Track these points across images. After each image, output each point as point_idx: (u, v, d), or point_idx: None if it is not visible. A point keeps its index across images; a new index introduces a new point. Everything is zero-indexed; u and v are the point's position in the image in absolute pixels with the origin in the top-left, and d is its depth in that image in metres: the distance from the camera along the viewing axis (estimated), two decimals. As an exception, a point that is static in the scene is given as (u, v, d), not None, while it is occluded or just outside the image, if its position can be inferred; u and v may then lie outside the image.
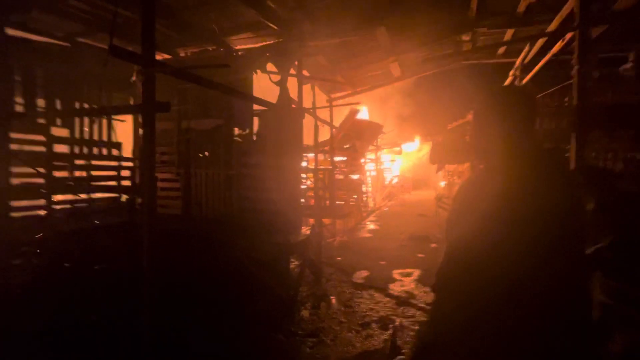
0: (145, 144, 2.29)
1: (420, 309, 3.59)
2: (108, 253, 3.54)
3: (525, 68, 5.44)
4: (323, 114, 6.59)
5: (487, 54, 5.70)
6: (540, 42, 4.52)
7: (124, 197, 5.01)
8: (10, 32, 3.68)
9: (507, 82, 6.19)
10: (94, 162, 4.52)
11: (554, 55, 4.24)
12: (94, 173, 4.53)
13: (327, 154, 8.07)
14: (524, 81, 5.52)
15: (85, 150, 4.54)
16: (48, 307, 2.74)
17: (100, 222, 4.41)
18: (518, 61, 5.46)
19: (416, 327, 3.16)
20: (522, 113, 1.13)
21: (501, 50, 5.53)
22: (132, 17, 3.64)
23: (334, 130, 7.44)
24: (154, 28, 2.29)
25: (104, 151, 4.80)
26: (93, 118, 4.67)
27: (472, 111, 1.25)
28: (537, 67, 4.80)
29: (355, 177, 10.43)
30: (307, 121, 6.46)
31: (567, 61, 3.15)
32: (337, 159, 9.81)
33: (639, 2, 3.46)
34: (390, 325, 3.20)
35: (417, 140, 17.04)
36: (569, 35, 3.56)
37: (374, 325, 3.24)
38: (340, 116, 9.02)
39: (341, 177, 9.80)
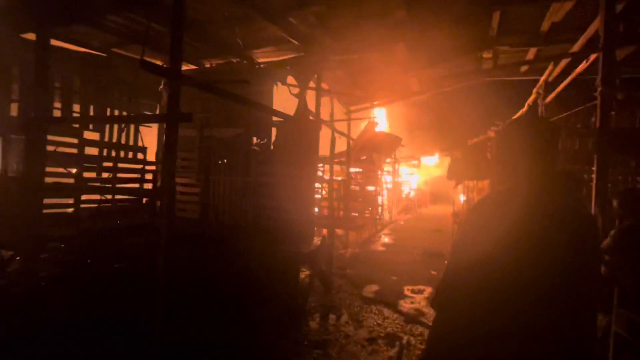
0: (166, 151, 2.42)
1: (429, 327, 3.52)
2: (128, 252, 3.71)
3: (549, 86, 5.33)
4: (341, 125, 6.67)
5: (510, 71, 5.62)
6: (564, 61, 4.44)
7: (145, 200, 5.24)
8: (53, 42, 4.01)
9: (530, 100, 6.07)
10: (120, 165, 4.77)
11: (579, 74, 4.16)
12: (119, 175, 4.79)
13: (344, 165, 8.11)
14: (548, 100, 5.41)
15: (113, 153, 4.80)
16: (70, 300, 2.90)
17: (122, 222, 4.63)
18: (542, 79, 5.35)
19: (423, 347, 3.11)
20: (545, 143, 1.17)
21: (524, 68, 5.45)
22: (162, 30, 3.88)
23: (351, 142, 7.49)
24: (181, 44, 2.45)
25: (131, 154, 5.05)
26: (122, 124, 4.94)
27: (496, 136, 1.30)
28: (560, 87, 4.71)
29: (371, 188, 10.40)
30: (325, 132, 6.56)
31: (592, 80, 3.09)
32: (353, 170, 9.84)
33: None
34: (397, 343, 3.16)
35: (437, 154, 16.81)
36: (593, 56, 3.49)
37: (380, 341, 3.21)
38: (358, 128, 9.08)
39: (357, 188, 9.80)
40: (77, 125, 4.40)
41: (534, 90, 5.73)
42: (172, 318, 2.36)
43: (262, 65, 4.85)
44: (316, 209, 7.50)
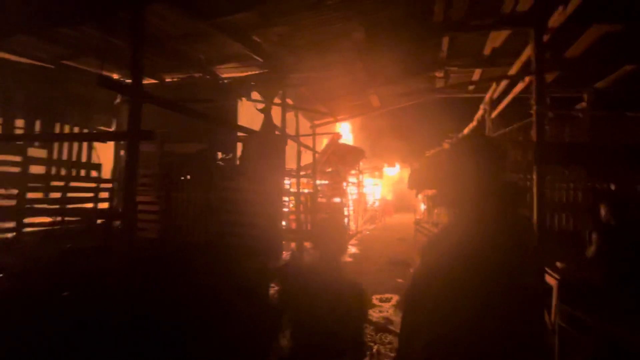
0: (128, 170, 2.34)
1: (397, 335, 3.64)
2: (79, 279, 3.43)
3: (494, 103, 5.89)
4: (307, 139, 6.79)
5: (459, 89, 6.14)
6: (505, 81, 4.94)
7: (100, 220, 4.90)
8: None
9: (478, 115, 6.63)
10: (72, 184, 4.45)
11: (517, 93, 4.65)
12: (70, 195, 4.45)
13: (310, 178, 8.21)
14: (493, 115, 5.95)
15: (63, 171, 4.47)
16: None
17: (73, 246, 4.28)
18: (487, 96, 5.90)
19: (393, 354, 3.20)
20: (491, 155, 1.25)
21: (471, 87, 5.98)
22: (118, 43, 3.75)
23: (316, 155, 7.63)
24: (142, 61, 2.41)
25: (83, 172, 4.73)
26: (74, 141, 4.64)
27: (444, 153, 1.38)
28: (502, 105, 5.22)
29: (337, 200, 10.57)
30: (291, 146, 6.62)
31: (528, 99, 3.49)
32: (319, 182, 9.97)
33: (585, 51, 3.92)
34: (368, 352, 3.22)
35: (398, 165, 17.57)
36: (527, 78, 3.94)
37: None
38: (323, 142, 9.28)
39: (324, 200, 9.91)
40: (20, 143, 4.06)
41: (481, 107, 6.29)
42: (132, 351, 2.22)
43: (226, 81, 4.84)
44: (284, 223, 7.48)
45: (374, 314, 4.23)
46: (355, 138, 14.32)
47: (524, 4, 3.23)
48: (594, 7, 3.06)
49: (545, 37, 3.37)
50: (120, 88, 2.31)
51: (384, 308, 4.44)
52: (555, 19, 3.23)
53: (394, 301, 4.69)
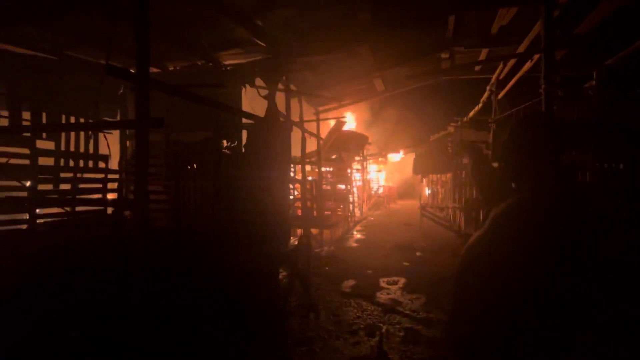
0: (138, 159, 2.35)
1: (405, 315, 3.70)
2: (91, 269, 3.50)
3: (500, 84, 5.79)
4: (311, 126, 6.75)
5: (465, 70, 6.04)
6: (512, 60, 4.85)
7: (110, 210, 4.97)
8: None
9: (485, 97, 6.53)
10: (80, 175, 4.48)
11: (525, 73, 4.57)
12: (80, 186, 4.49)
13: (315, 165, 8.20)
14: (500, 96, 5.86)
15: (71, 162, 4.50)
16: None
17: (85, 236, 4.35)
18: (494, 77, 5.80)
19: (402, 334, 3.27)
20: (551, 134, 1.29)
21: (478, 67, 5.87)
22: (122, 30, 3.71)
23: (320, 142, 7.60)
24: (148, 47, 2.38)
25: (91, 163, 4.76)
26: (80, 131, 4.65)
27: (507, 135, 1.38)
28: (510, 84, 5.13)
29: (342, 187, 10.59)
30: (295, 133, 6.60)
31: (537, 78, 3.42)
32: (324, 169, 9.97)
33: (596, 27, 3.82)
34: (377, 332, 3.30)
35: (402, 151, 17.47)
36: (536, 57, 3.86)
37: (361, 332, 3.32)
38: (327, 128, 9.22)
39: (328, 187, 9.94)
40: (28, 134, 4.08)
41: (487, 88, 6.19)
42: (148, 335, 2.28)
43: (229, 68, 4.79)
44: (290, 210, 7.52)
45: (382, 296, 4.29)
46: (360, 124, 14.20)
47: (534, -22, 3.14)
48: (607, -21, 2.96)
49: (556, 13, 3.28)
50: (127, 75, 2.30)
51: (392, 290, 4.50)
52: (567, -6, 3.14)
53: (400, 284, 4.75)
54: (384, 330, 3.36)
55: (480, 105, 6.90)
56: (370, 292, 4.45)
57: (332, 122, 8.95)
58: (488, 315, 1.18)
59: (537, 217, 1.18)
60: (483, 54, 5.07)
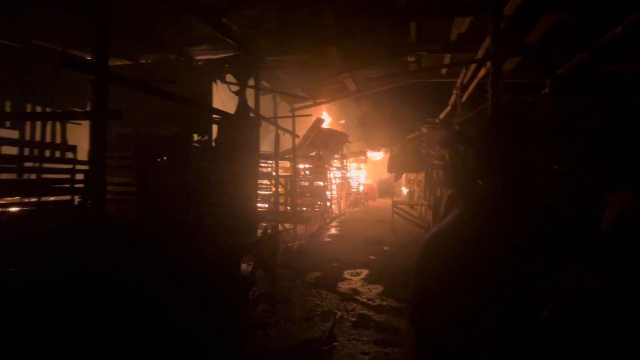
0: (95, 150, 2.45)
1: (361, 303, 3.93)
2: (50, 258, 3.53)
3: (465, 88, 6.10)
4: (287, 123, 6.89)
5: (432, 73, 6.31)
6: (473, 66, 5.14)
7: (77, 201, 4.97)
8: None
9: (452, 100, 6.84)
10: (46, 165, 4.48)
11: (481, 78, 4.87)
12: (45, 176, 4.49)
13: (290, 161, 8.35)
14: (463, 99, 6.17)
15: (36, 152, 4.49)
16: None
17: (48, 226, 4.36)
18: (458, 81, 6.09)
19: (354, 319, 3.49)
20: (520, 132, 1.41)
21: (444, 70, 6.16)
22: (87, 22, 3.74)
23: (297, 139, 7.75)
24: (107, 40, 2.48)
25: (58, 154, 4.76)
26: (45, 120, 4.64)
27: (477, 137, 1.51)
28: (470, 89, 5.44)
29: (320, 183, 10.78)
30: (271, 130, 6.73)
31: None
32: (302, 166, 10.13)
33: (543, 38, 4.13)
34: (332, 318, 3.50)
35: (382, 150, 17.84)
36: (489, 64, 4.14)
37: (316, 318, 3.53)
38: (305, 125, 9.37)
39: (306, 183, 10.11)
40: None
41: (454, 92, 6.50)
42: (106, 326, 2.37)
43: (200, 63, 4.88)
44: (266, 205, 7.66)
45: (343, 286, 4.51)
46: (338, 123, 14.43)
47: (482, -9, 3.39)
48: (543, -5, 3.24)
49: (502, 24, 3.55)
50: (84, 67, 2.39)
51: (353, 281, 4.73)
52: (510, 7, 3.41)
53: (363, 275, 4.99)
54: (338, 315, 3.57)
55: (449, 108, 7.21)
56: (332, 282, 4.66)
57: (311, 120, 9.11)
58: (447, 304, 1.28)
59: (503, 220, 1.30)
60: (447, 58, 5.35)
